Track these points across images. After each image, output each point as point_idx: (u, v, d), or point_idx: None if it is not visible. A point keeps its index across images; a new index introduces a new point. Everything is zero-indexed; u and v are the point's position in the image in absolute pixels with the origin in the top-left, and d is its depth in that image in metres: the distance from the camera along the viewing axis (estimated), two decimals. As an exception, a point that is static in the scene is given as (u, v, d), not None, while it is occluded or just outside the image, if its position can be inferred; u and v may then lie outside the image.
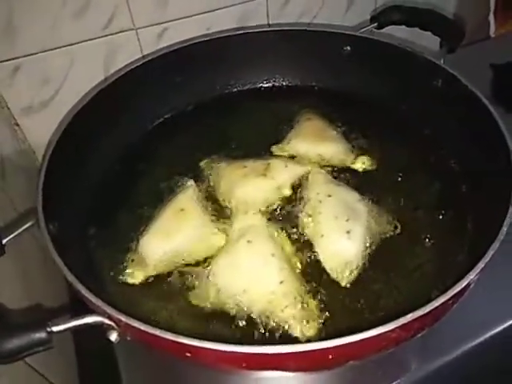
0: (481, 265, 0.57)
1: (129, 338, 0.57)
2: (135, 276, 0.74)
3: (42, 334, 0.52)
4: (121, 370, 0.73)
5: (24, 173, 0.98)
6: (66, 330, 0.54)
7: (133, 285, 0.74)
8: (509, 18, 1.36)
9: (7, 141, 0.95)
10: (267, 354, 0.51)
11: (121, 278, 0.74)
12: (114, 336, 0.57)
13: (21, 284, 0.79)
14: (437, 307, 0.54)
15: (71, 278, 0.58)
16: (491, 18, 1.35)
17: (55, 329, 0.53)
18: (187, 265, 0.75)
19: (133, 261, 0.76)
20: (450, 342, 0.75)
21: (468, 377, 0.82)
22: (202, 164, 0.91)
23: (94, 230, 0.81)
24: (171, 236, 0.76)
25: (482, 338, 0.76)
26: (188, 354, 0.54)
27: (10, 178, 0.86)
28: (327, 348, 0.50)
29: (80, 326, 0.55)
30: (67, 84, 1.00)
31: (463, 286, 0.55)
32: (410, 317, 0.52)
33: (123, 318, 0.54)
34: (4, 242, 0.64)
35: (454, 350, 0.74)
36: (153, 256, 0.74)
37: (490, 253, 0.58)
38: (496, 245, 0.60)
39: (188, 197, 0.82)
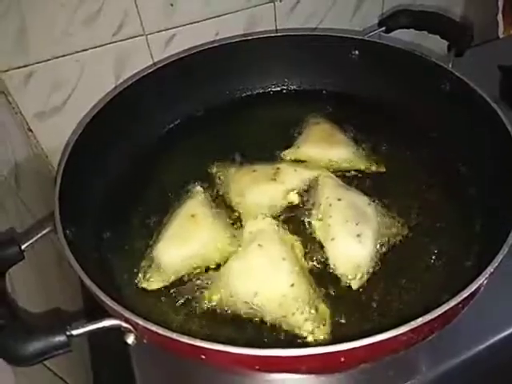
0: (490, 269, 0.57)
1: (145, 341, 0.58)
2: (151, 284, 0.75)
3: (61, 338, 0.53)
4: (135, 373, 0.74)
5: (37, 177, 0.99)
6: (84, 333, 0.55)
7: (147, 289, 0.75)
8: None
9: (21, 146, 0.96)
10: (280, 357, 0.51)
11: (136, 283, 0.76)
12: (131, 339, 0.58)
13: (38, 289, 0.81)
14: (447, 311, 0.54)
15: (89, 282, 0.59)
16: (499, 18, 1.35)
17: (74, 332, 0.54)
18: (200, 269, 0.76)
19: (148, 268, 0.77)
20: (462, 344, 0.75)
21: (479, 379, 0.82)
22: (212, 169, 0.92)
23: (108, 235, 0.82)
24: (185, 243, 0.77)
25: (493, 340, 0.76)
26: (203, 357, 0.55)
27: (23, 182, 0.88)
28: (339, 351, 0.51)
29: (98, 329, 0.57)
30: (79, 89, 1.02)
31: (473, 289, 0.56)
32: (420, 320, 0.53)
33: (140, 322, 0.55)
34: (23, 247, 0.65)
35: (465, 351, 0.75)
36: (168, 263, 0.75)
37: (500, 257, 0.59)
38: (505, 249, 0.60)
39: (197, 202, 0.83)
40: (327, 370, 0.65)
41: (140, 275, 0.76)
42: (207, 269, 0.76)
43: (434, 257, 0.76)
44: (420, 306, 0.58)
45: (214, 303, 0.72)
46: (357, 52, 1.00)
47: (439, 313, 0.54)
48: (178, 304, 0.72)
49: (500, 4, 1.32)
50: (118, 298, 0.61)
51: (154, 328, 0.54)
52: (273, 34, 1.05)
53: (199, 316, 0.71)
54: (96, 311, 0.60)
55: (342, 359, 0.53)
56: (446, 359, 0.74)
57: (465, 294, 0.55)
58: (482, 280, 0.57)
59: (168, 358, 0.74)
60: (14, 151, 0.89)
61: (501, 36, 1.36)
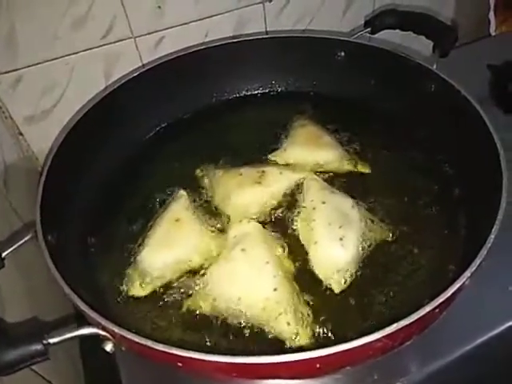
0: (467, 274, 0.57)
1: (123, 349, 0.59)
2: (136, 290, 0.75)
3: (38, 346, 0.53)
4: (121, 377, 0.74)
5: (28, 180, 0.99)
6: (62, 341, 0.55)
7: (132, 295, 0.75)
8: (509, 16, 1.34)
9: (11, 150, 0.97)
10: (254, 364, 0.52)
11: (121, 290, 0.76)
12: (109, 347, 0.58)
13: (26, 293, 0.81)
14: (423, 316, 0.54)
15: (67, 289, 0.59)
16: (491, 16, 1.34)
17: (51, 341, 0.55)
18: (184, 274, 0.76)
19: (133, 274, 0.77)
20: (447, 346, 0.75)
21: (464, 381, 0.82)
22: (198, 172, 0.92)
23: (93, 240, 0.82)
24: (170, 248, 0.77)
25: (477, 342, 0.75)
26: (180, 364, 0.55)
27: (13, 186, 0.88)
28: (313, 358, 0.51)
29: (76, 337, 0.57)
30: (68, 93, 1.02)
31: (449, 294, 0.56)
32: (394, 326, 0.53)
33: (116, 330, 0.55)
34: (3, 255, 0.66)
35: (450, 353, 0.74)
36: (153, 268, 0.75)
37: (477, 261, 0.59)
38: (484, 252, 0.60)
39: (181, 206, 0.83)
40: (304, 376, 0.65)
41: (125, 281, 0.76)
42: (192, 273, 0.76)
43: (417, 260, 0.76)
44: (403, 310, 0.58)
45: (197, 308, 0.72)
46: (342, 53, 1.00)
47: (414, 318, 0.54)
48: (161, 310, 0.73)
49: (492, 2, 1.31)
50: (101, 304, 0.61)
51: (130, 336, 0.54)
52: (259, 36, 1.05)
53: (183, 321, 0.71)
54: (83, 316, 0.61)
55: (318, 365, 0.54)
56: (431, 361, 0.74)
57: (441, 299, 0.55)
58: (458, 285, 0.56)
59: (153, 363, 0.74)
60: (4, 154, 0.89)
61: (493, 34, 1.35)
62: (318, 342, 0.67)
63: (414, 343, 0.64)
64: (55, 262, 0.63)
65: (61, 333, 0.55)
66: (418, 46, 1.11)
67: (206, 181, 0.89)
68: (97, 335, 0.58)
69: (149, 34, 1.03)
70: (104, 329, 0.57)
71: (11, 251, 0.67)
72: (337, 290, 0.72)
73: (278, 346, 0.67)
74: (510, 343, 0.79)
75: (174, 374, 0.72)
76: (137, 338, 0.54)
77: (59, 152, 0.80)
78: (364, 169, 0.90)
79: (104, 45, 1.00)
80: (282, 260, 0.76)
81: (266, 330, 0.68)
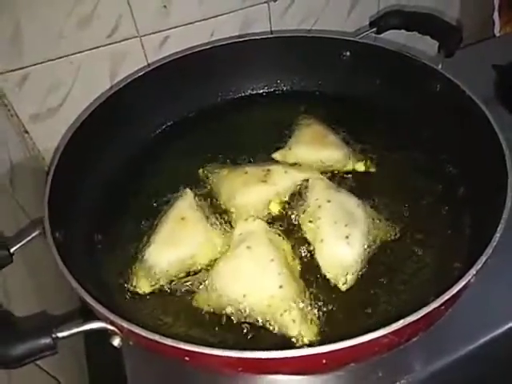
0: (472, 271, 0.58)
1: (131, 343, 0.59)
2: (142, 287, 0.75)
3: (47, 340, 0.54)
4: (126, 373, 0.74)
5: (34, 178, 1.00)
6: (70, 335, 0.56)
7: (137, 292, 0.75)
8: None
9: (17, 148, 0.97)
10: (261, 359, 0.52)
11: (127, 286, 0.76)
12: (116, 341, 0.59)
13: (33, 288, 0.81)
14: (429, 313, 0.55)
15: (75, 284, 0.60)
16: (496, 16, 1.35)
17: (60, 335, 0.55)
18: (190, 271, 0.77)
19: (139, 271, 0.77)
20: (452, 344, 0.75)
21: (469, 379, 0.82)
22: (204, 171, 0.92)
23: (99, 238, 0.83)
24: (175, 246, 0.77)
25: (484, 339, 0.75)
26: (187, 359, 0.55)
27: (20, 184, 0.88)
28: (319, 354, 0.51)
29: (84, 331, 0.57)
30: (74, 91, 1.02)
31: (455, 292, 0.56)
32: (401, 323, 0.53)
33: (125, 324, 0.56)
34: (12, 250, 0.66)
35: (455, 351, 0.74)
36: (159, 266, 0.76)
37: (483, 259, 0.59)
38: (489, 250, 0.60)
39: (187, 205, 0.83)
40: (311, 372, 0.65)
41: (131, 278, 0.77)
42: (197, 271, 0.77)
43: (422, 258, 0.76)
44: (409, 308, 0.58)
45: (203, 305, 0.72)
46: (348, 53, 1.01)
47: (421, 315, 0.54)
48: (167, 306, 0.73)
49: (496, 2, 1.31)
50: (107, 300, 0.62)
51: (138, 330, 0.55)
52: (264, 36, 1.05)
53: (188, 318, 0.71)
54: (91, 313, 0.61)
55: (324, 361, 0.54)
56: (436, 359, 0.74)
57: (446, 296, 0.56)
58: (463, 282, 0.57)
59: (159, 359, 0.74)
60: (10, 153, 0.90)
61: (497, 34, 1.36)
62: (324, 340, 0.67)
63: (419, 341, 0.64)
64: (63, 259, 0.63)
65: (69, 327, 0.56)
66: (423, 46, 1.11)
67: (212, 179, 0.90)
68: (104, 330, 0.58)
69: (154, 33, 1.04)
70: (112, 323, 0.57)
71: (19, 247, 0.67)
72: (343, 288, 0.73)
73: (283, 342, 0.67)
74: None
75: (180, 369, 0.73)
76: (145, 333, 0.54)
77: (66, 150, 0.80)
78: (369, 168, 0.90)
79: (110, 44, 1.00)
80: (288, 258, 0.76)
81: (272, 327, 0.69)
